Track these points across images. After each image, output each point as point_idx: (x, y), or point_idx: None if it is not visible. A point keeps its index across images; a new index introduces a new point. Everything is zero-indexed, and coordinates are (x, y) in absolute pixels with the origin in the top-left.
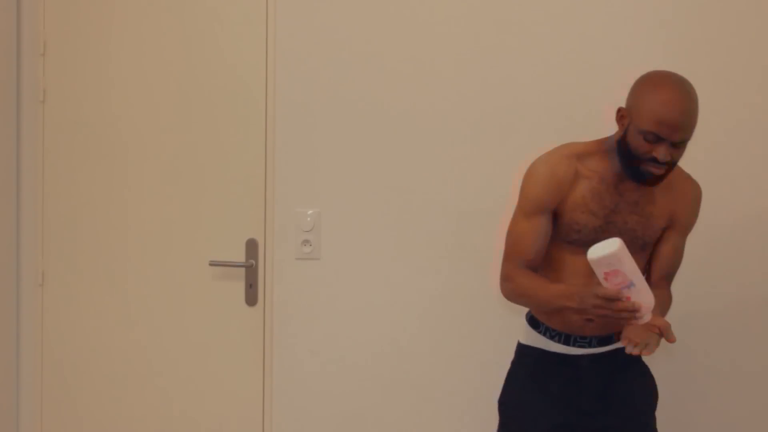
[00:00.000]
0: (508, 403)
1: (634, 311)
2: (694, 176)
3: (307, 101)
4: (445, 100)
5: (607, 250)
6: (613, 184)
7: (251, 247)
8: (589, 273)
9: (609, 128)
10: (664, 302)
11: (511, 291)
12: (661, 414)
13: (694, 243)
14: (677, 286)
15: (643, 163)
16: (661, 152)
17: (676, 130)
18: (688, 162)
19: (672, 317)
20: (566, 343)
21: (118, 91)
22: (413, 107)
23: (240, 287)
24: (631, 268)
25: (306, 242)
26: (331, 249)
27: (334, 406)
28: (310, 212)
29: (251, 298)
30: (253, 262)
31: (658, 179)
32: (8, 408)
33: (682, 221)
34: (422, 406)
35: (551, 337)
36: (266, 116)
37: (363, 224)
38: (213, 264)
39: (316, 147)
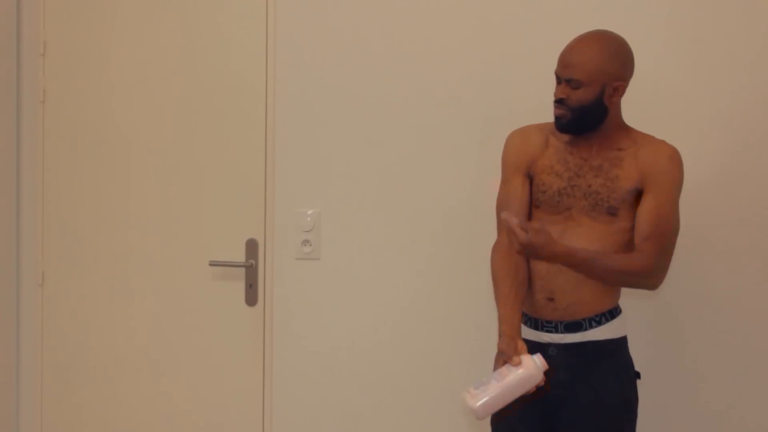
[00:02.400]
0: None
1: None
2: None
3: (307, 101)
4: (446, 101)
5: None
6: (577, 150)
7: (251, 247)
8: (556, 232)
9: None
10: (625, 261)
11: (491, 267)
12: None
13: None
14: (677, 288)
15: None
16: (557, 90)
17: (564, 66)
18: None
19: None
20: (535, 328)
21: (118, 91)
22: (414, 108)
23: (240, 287)
24: (497, 394)
25: (306, 242)
26: (331, 249)
27: (334, 406)
28: (310, 212)
29: (251, 298)
30: (253, 261)
31: (564, 124)
32: (8, 408)
33: (654, 180)
34: (423, 405)
35: (525, 323)
36: (266, 116)
37: (363, 224)
38: (213, 264)
39: (316, 147)
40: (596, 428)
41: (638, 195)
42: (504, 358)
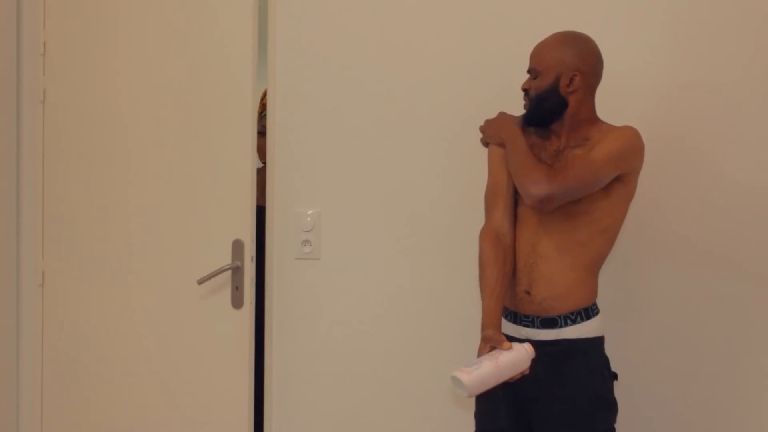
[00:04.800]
0: None
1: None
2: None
3: (306, 101)
4: (445, 101)
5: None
6: (549, 143)
7: (237, 248)
8: (535, 224)
9: None
10: (530, 167)
11: (479, 253)
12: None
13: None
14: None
15: None
16: (524, 83)
17: (529, 60)
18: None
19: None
20: (515, 321)
21: (117, 91)
22: (413, 108)
23: (227, 289)
24: (490, 372)
25: (306, 242)
26: (331, 249)
27: (333, 407)
28: (310, 212)
29: (237, 301)
30: (239, 263)
31: (524, 115)
32: (8, 408)
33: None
34: (422, 405)
35: (506, 317)
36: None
37: (363, 224)
38: (201, 281)
39: (316, 147)
40: (568, 424)
41: None
42: (492, 344)
